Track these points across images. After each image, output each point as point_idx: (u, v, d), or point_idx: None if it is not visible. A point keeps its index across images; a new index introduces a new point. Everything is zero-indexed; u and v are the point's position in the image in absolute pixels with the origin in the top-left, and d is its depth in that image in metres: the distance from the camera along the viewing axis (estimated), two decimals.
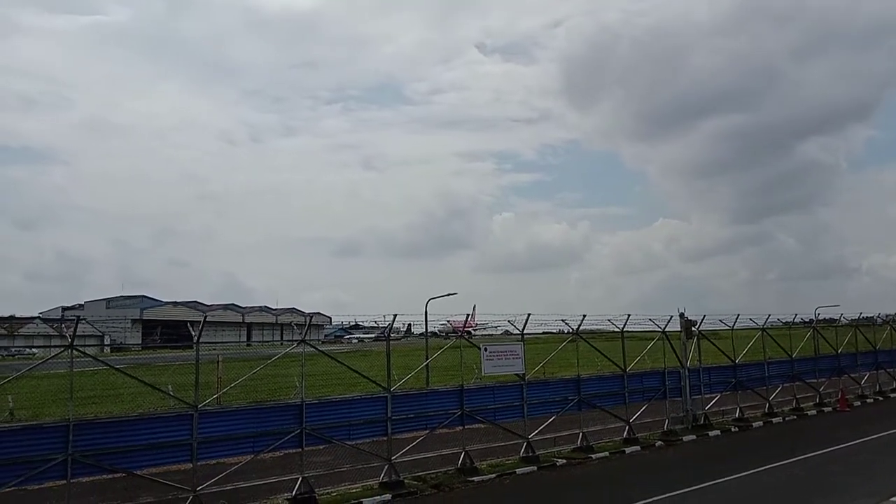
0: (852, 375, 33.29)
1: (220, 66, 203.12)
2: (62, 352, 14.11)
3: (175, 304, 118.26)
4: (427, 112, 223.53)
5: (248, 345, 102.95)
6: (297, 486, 15.25)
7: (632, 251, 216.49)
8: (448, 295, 36.78)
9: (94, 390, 28.67)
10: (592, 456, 20.19)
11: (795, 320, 32.75)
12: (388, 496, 15.87)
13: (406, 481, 16.76)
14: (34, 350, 70.00)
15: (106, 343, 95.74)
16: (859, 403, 31.23)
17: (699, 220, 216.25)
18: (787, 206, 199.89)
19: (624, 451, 21.08)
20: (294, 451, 15.92)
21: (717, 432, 24.15)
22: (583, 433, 20.92)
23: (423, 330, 29.41)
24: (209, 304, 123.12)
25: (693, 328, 25.67)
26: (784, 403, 28.91)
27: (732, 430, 24.84)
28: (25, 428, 13.76)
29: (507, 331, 22.52)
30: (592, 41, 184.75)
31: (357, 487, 16.34)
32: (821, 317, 38.41)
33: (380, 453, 16.89)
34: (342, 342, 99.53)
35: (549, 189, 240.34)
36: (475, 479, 17.45)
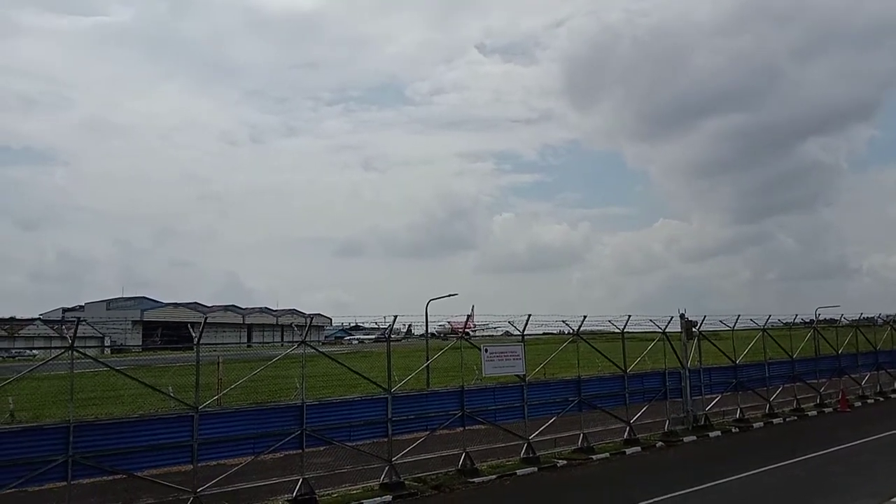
0: (853, 376, 33.27)
1: (221, 66, 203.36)
2: (63, 353, 14.12)
3: (175, 305, 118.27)
4: (428, 112, 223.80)
5: (248, 346, 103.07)
6: (297, 487, 15.25)
7: (632, 251, 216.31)
8: (449, 296, 36.81)
9: (95, 392, 28.65)
10: (593, 457, 20.19)
11: (796, 321, 32.76)
12: (388, 497, 15.87)
13: (406, 482, 16.76)
14: (35, 351, 70.08)
15: (106, 344, 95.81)
16: (860, 404, 31.21)
17: (700, 220, 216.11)
18: (788, 206, 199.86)
19: (625, 452, 21.07)
20: (294, 452, 15.91)
21: (718, 433, 24.14)
22: (583, 434, 20.91)
23: (424, 331, 29.44)
24: (209, 305, 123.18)
25: (693, 329, 25.66)
26: (785, 404, 28.90)
27: (733, 430, 24.83)
28: (26, 429, 13.78)
29: (507, 332, 22.51)
30: (594, 41, 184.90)
31: (357, 489, 16.34)
32: (821, 317, 38.44)
33: (380, 454, 16.89)
34: (343, 343, 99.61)
35: (550, 189, 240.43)
36: (476, 480, 17.45)
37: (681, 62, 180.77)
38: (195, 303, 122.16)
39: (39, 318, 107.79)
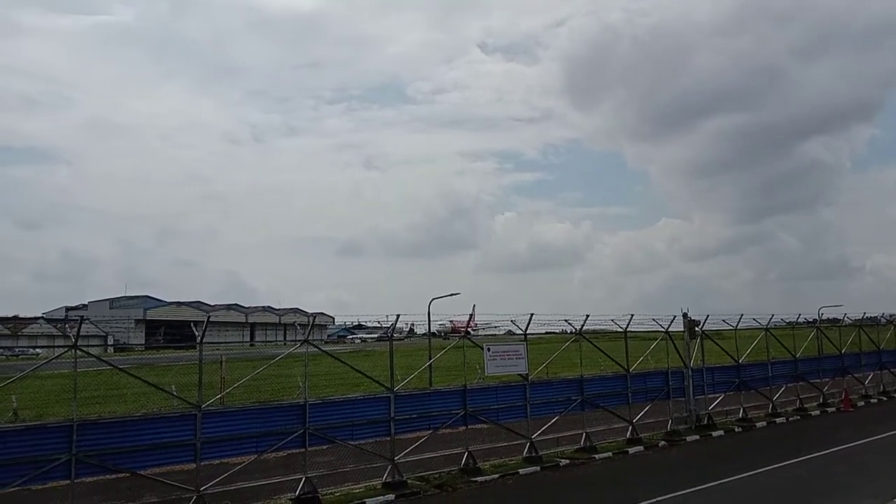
0: (856, 375, 33.21)
1: (223, 66, 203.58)
2: (66, 352, 14.17)
3: (178, 304, 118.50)
4: (429, 112, 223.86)
5: (251, 345, 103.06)
6: (300, 486, 15.27)
7: (634, 251, 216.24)
8: (451, 295, 36.86)
9: (98, 390, 28.68)
10: (596, 456, 20.18)
11: (799, 320, 32.70)
12: (391, 496, 15.88)
13: (409, 481, 16.76)
14: (38, 350, 70.28)
15: (109, 343, 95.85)
16: (863, 404, 31.17)
17: (701, 219, 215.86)
18: (790, 206, 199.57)
19: (627, 452, 21.07)
20: (297, 451, 15.93)
21: (721, 432, 24.12)
22: (586, 433, 20.91)
23: (426, 330, 29.42)
24: (212, 304, 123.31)
25: (696, 328, 25.63)
26: (787, 403, 28.86)
27: (736, 430, 24.80)
28: (29, 428, 13.79)
29: (509, 331, 22.51)
30: (594, 41, 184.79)
31: (360, 487, 16.34)
32: (824, 317, 38.36)
33: (383, 453, 16.89)
34: (345, 342, 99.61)
35: (552, 188, 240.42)
36: (478, 479, 17.46)
37: (681, 62, 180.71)
38: (198, 302, 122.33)
39: (42, 317, 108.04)
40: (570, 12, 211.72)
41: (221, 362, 27.86)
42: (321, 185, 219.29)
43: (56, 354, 15.30)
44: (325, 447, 16.67)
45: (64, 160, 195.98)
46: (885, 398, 32.75)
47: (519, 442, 19.72)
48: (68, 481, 13.03)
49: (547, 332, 23.86)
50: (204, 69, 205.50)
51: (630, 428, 22.27)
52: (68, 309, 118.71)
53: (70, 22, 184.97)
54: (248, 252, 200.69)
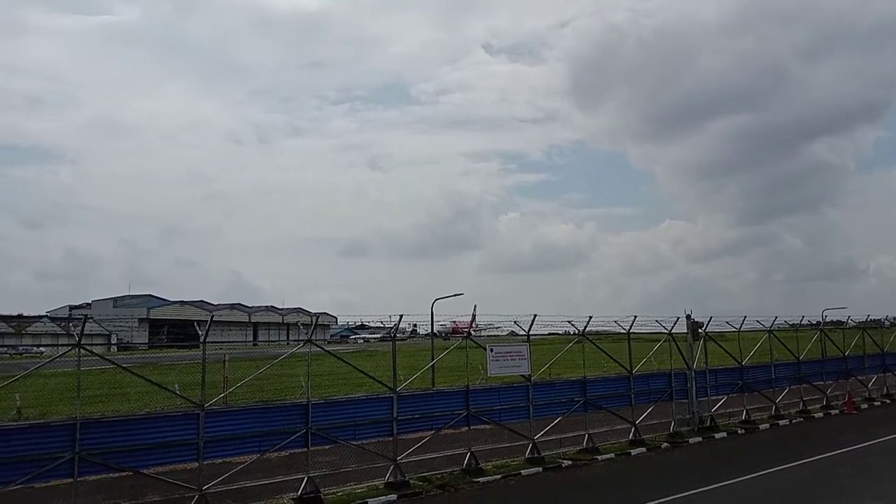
0: (859, 378, 33.14)
1: (227, 66, 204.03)
2: (69, 350, 14.18)
3: (182, 303, 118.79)
4: (433, 112, 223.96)
5: (254, 344, 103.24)
6: (302, 485, 15.28)
7: (638, 252, 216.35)
8: (454, 295, 36.79)
9: (101, 389, 28.74)
10: (598, 457, 20.17)
11: (802, 322, 32.64)
12: (393, 496, 15.88)
13: (411, 482, 16.77)
14: (42, 349, 70.25)
15: (113, 342, 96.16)
16: (866, 406, 31.09)
17: (706, 221, 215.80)
18: (794, 207, 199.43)
19: (630, 453, 21.04)
20: (300, 450, 15.94)
21: (724, 434, 24.09)
22: (588, 434, 20.89)
23: (429, 330, 29.45)
24: (216, 303, 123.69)
25: (700, 330, 25.61)
26: (791, 406, 28.83)
27: (739, 432, 24.76)
28: (33, 426, 13.84)
29: (512, 331, 22.51)
30: (599, 41, 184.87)
31: (362, 487, 16.35)
32: (828, 319, 38.26)
33: (385, 453, 16.90)
34: (348, 342, 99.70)
35: (556, 189, 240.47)
36: (480, 479, 17.45)
37: (686, 62, 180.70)
38: (201, 301, 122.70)
39: (46, 316, 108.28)
40: (575, 13, 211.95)
41: (224, 362, 27.94)
42: (325, 185, 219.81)
43: (60, 353, 15.32)
44: (327, 447, 16.68)
45: (68, 159, 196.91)
46: (888, 401, 32.67)
47: (521, 443, 19.71)
48: (71, 480, 13.05)
49: (550, 333, 23.85)
50: (208, 69, 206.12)
51: (633, 429, 22.25)
52: (72, 308, 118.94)
53: (74, 21, 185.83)
54: (252, 252, 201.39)
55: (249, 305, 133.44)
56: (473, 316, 20.03)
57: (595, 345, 22.95)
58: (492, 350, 19.65)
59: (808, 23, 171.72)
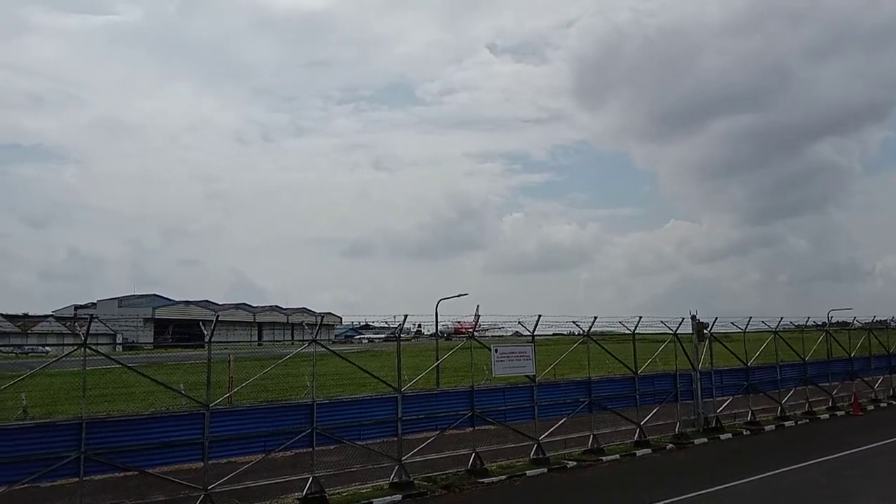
0: (865, 379, 33.08)
1: (230, 65, 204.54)
2: (75, 350, 14.22)
3: (187, 303, 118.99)
4: (438, 112, 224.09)
5: (259, 344, 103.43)
6: (307, 485, 15.29)
7: (643, 252, 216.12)
8: (459, 296, 36.76)
9: (107, 388, 28.80)
10: (603, 458, 20.14)
11: (808, 323, 32.56)
12: (398, 496, 15.88)
13: (416, 482, 16.76)
14: (47, 348, 70.53)
15: (118, 342, 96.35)
16: (872, 408, 30.99)
17: (710, 221, 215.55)
18: (800, 208, 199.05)
19: (635, 454, 21.00)
20: (305, 450, 15.95)
21: (729, 435, 24.03)
22: (593, 435, 20.87)
23: (433, 330, 29.42)
24: (220, 303, 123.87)
25: (705, 331, 25.56)
26: (796, 407, 28.75)
27: (744, 433, 24.71)
28: (39, 425, 13.86)
29: (517, 332, 22.51)
30: (603, 41, 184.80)
31: (367, 487, 16.36)
32: (834, 320, 38.16)
33: (390, 454, 16.90)
34: (353, 342, 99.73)
35: (560, 189, 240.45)
36: (485, 480, 17.44)
37: (689, 62, 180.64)
38: (206, 301, 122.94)
39: (52, 315, 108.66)
40: (578, 13, 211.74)
41: (230, 361, 27.93)
42: (329, 185, 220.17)
43: (65, 353, 15.35)
44: (332, 447, 16.70)
45: (71, 159, 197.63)
46: (894, 402, 32.56)
47: (526, 443, 19.69)
48: (77, 479, 13.07)
49: (555, 334, 23.84)
50: (211, 69, 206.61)
51: (638, 430, 22.22)
52: (77, 307, 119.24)
53: (78, 21, 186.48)
54: (256, 251, 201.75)
55: (254, 305, 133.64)
56: (477, 316, 19.95)
57: (600, 345, 22.92)
58: (496, 350, 19.64)
59: (815, 22, 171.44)
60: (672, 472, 19.10)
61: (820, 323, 35.09)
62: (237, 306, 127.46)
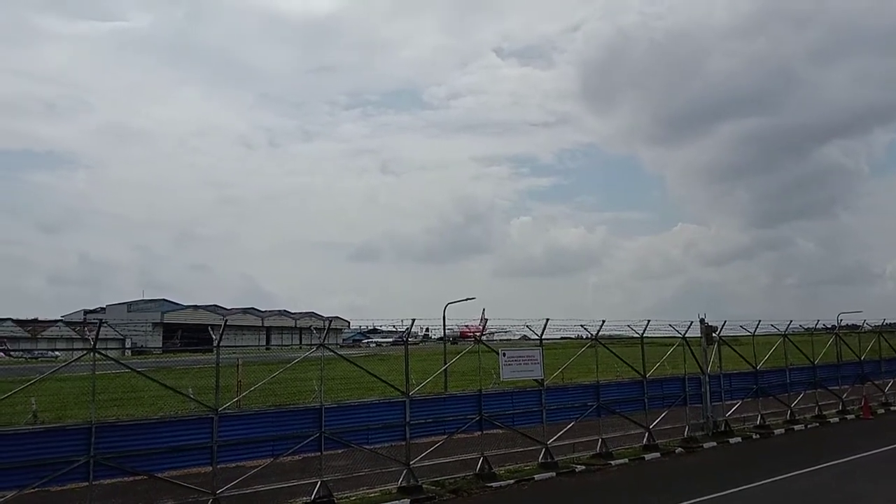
0: (876, 382, 32.89)
1: (238, 71, 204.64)
2: (85, 355, 14.29)
3: (195, 307, 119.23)
4: (445, 116, 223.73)
5: (267, 348, 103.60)
6: (315, 489, 15.30)
7: (650, 256, 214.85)
8: (466, 300, 36.74)
9: (116, 393, 28.84)
10: (612, 462, 20.09)
11: (817, 326, 32.43)
12: (406, 501, 15.86)
13: (424, 486, 16.76)
14: (57, 353, 70.85)
15: (127, 346, 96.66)
16: (883, 411, 30.82)
17: (718, 224, 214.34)
18: (808, 211, 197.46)
19: (643, 458, 20.94)
20: (313, 454, 15.96)
21: (738, 439, 23.94)
22: (602, 439, 20.82)
23: (440, 334, 29.42)
24: (229, 307, 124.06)
25: (714, 334, 25.50)
26: (806, 410, 28.62)
27: (754, 437, 24.61)
28: (48, 430, 13.93)
29: (524, 336, 22.49)
30: (609, 45, 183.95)
31: (375, 492, 16.36)
32: (843, 323, 37.95)
33: (398, 458, 16.91)
34: (360, 346, 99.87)
35: (567, 193, 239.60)
36: (493, 484, 17.42)
37: (696, 65, 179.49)
38: (215, 305, 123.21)
39: (61, 320, 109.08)
40: (585, 16, 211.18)
41: (238, 366, 28.00)
42: (336, 189, 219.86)
43: (75, 357, 15.45)
44: (340, 451, 16.72)
45: (82, 165, 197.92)
46: None
47: (534, 447, 19.66)
48: (87, 483, 13.11)
49: (562, 338, 23.82)
50: (219, 74, 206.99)
51: (646, 434, 22.15)
52: (86, 312, 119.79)
53: (88, 28, 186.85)
54: (264, 256, 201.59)
55: (262, 310, 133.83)
56: (485, 320, 19.92)
57: (608, 349, 22.89)
58: (504, 354, 19.62)
59: (823, 24, 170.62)
60: (681, 476, 19.04)
61: (829, 326, 34.92)
62: (245, 311, 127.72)
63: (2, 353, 72.93)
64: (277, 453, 15.43)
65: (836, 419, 28.40)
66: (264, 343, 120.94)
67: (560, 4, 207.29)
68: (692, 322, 25.00)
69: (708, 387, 24.61)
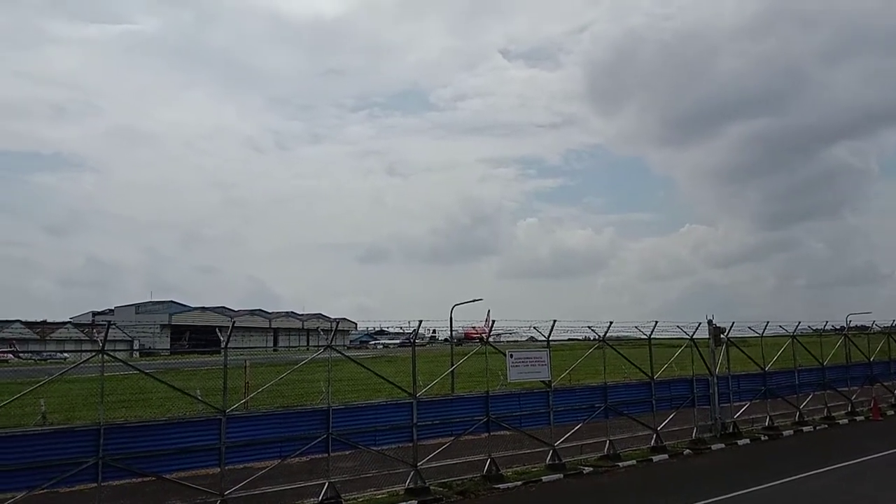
0: (885, 384, 32.71)
1: (246, 74, 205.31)
2: (93, 356, 14.34)
3: (203, 309, 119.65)
4: (451, 118, 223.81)
5: (274, 350, 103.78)
6: (323, 491, 15.32)
7: (658, 257, 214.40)
8: (473, 301, 36.74)
9: (124, 394, 28.97)
10: (619, 464, 20.04)
11: (826, 327, 32.29)
12: (413, 502, 15.86)
13: (432, 487, 16.75)
14: (65, 354, 71.19)
15: (135, 348, 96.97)
16: (892, 413, 30.63)
17: (726, 225, 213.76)
18: (816, 212, 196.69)
19: (651, 460, 20.89)
20: (320, 456, 15.98)
21: (747, 441, 23.85)
22: (610, 441, 20.78)
23: (447, 336, 29.39)
24: (236, 309, 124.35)
25: (722, 335, 25.41)
26: (815, 412, 28.49)
27: (762, 438, 24.51)
28: (57, 431, 13.99)
29: (532, 337, 22.46)
30: (617, 46, 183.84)
31: (383, 493, 16.36)
32: (852, 324, 37.77)
33: (405, 459, 16.91)
34: (367, 348, 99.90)
35: (574, 194, 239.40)
36: (501, 486, 17.40)
37: (704, 66, 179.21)
38: (222, 307, 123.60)
39: (70, 322, 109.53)
40: (592, 17, 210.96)
41: (245, 367, 28.07)
42: (343, 191, 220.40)
43: (83, 359, 15.48)
44: (347, 452, 16.72)
45: (89, 167, 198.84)
46: None
47: (542, 449, 19.63)
48: (95, 484, 13.17)
49: (570, 339, 23.74)
50: (227, 77, 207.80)
51: (654, 436, 22.09)
52: (95, 314, 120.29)
53: (97, 31, 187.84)
54: (271, 258, 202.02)
55: (270, 311, 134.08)
56: (492, 322, 19.88)
57: (616, 350, 22.84)
58: (512, 356, 19.61)
59: (831, 24, 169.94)
60: (689, 477, 18.97)
61: (838, 327, 34.75)
62: (253, 312, 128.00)
63: (11, 355, 73.34)
64: (285, 454, 15.46)
65: (846, 421, 28.26)
66: (272, 344, 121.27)
67: (567, 6, 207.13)
68: (700, 323, 24.95)
69: (716, 388, 24.54)
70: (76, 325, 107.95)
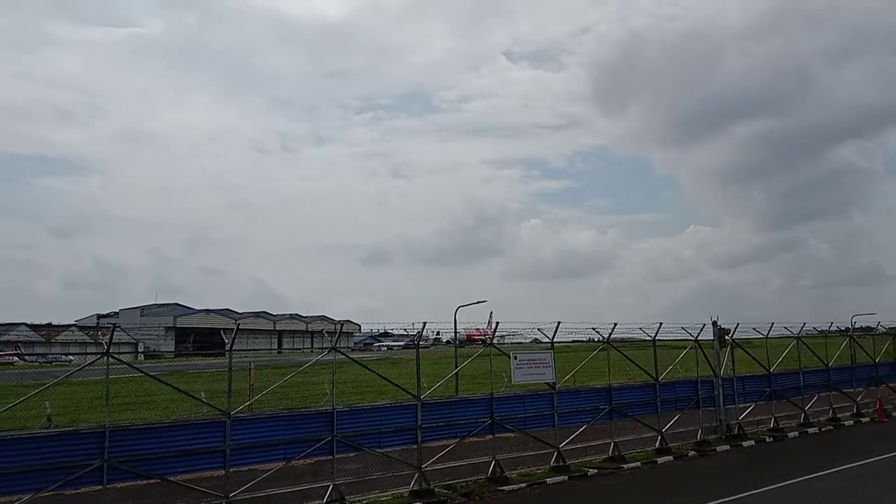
0: (890, 385, 32.58)
1: (250, 76, 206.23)
2: (98, 359, 14.38)
3: (208, 311, 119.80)
4: (455, 120, 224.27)
5: (279, 352, 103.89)
6: (328, 493, 15.33)
7: (663, 258, 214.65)
8: (477, 303, 36.75)
9: (129, 397, 29.07)
10: (624, 466, 20.01)
11: (831, 328, 32.20)
12: None
13: (436, 489, 16.75)
14: (71, 357, 71.34)
15: (140, 350, 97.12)
16: None
17: (731, 226, 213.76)
18: (822, 212, 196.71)
19: (656, 462, 20.86)
20: (325, 458, 16.01)
21: (752, 442, 23.79)
22: (614, 443, 20.75)
23: (451, 338, 29.38)
24: (241, 311, 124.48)
25: (726, 337, 25.37)
26: (820, 413, 28.42)
27: (767, 440, 24.45)
28: (63, 434, 14.01)
29: (536, 339, 22.43)
30: (621, 46, 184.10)
31: (387, 495, 16.37)
32: (857, 325, 37.65)
33: (410, 461, 16.91)
34: (372, 350, 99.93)
35: (579, 195, 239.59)
36: (505, 488, 17.39)
37: (708, 66, 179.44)
38: (227, 309, 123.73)
39: (75, 325, 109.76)
40: (596, 18, 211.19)
41: (250, 369, 28.09)
42: (348, 193, 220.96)
43: (88, 361, 15.54)
44: (352, 454, 16.72)
45: (95, 170, 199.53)
46: None
47: (546, 451, 19.61)
48: (100, 487, 13.20)
49: (574, 341, 23.77)
50: (231, 79, 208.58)
51: (659, 437, 22.06)
52: (100, 316, 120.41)
53: (101, 34, 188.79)
54: (276, 260, 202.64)
55: (274, 313, 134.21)
56: (496, 324, 19.85)
57: (620, 352, 22.80)
58: (516, 357, 19.59)
59: (836, 24, 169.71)
60: (694, 479, 18.93)
61: (843, 328, 34.66)
62: (257, 314, 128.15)
63: (16, 358, 73.52)
64: (290, 457, 15.48)
65: (851, 422, 28.18)
66: (276, 347, 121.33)
67: (570, 7, 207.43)
68: (705, 325, 24.93)
69: (721, 390, 24.49)
70: (81, 328, 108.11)
